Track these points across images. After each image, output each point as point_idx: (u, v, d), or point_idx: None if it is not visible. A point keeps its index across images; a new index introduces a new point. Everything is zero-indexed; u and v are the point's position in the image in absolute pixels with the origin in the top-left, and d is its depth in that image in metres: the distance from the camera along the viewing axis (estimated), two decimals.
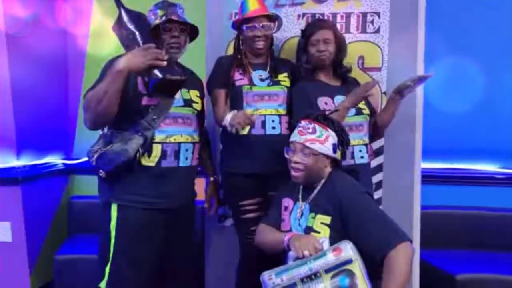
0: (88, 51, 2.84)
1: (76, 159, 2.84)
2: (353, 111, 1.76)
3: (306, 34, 1.79)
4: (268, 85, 1.78)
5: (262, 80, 1.78)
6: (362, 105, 1.79)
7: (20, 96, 2.37)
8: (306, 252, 1.33)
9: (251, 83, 1.76)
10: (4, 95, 2.31)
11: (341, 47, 1.80)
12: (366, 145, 1.79)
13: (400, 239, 1.31)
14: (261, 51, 1.78)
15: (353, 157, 1.74)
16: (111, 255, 1.53)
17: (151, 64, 1.40)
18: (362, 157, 1.76)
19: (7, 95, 2.31)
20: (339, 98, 1.77)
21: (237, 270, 1.87)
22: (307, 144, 1.44)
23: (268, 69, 1.81)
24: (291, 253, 1.38)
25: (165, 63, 1.42)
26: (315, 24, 1.81)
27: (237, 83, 1.76)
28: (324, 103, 1.76)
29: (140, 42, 1.46)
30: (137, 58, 1.40)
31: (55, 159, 2.74)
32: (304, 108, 1.72)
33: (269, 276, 1.35)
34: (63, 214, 2.72)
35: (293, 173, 1.46)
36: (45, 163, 2.64)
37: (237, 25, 1.81)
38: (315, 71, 1.82)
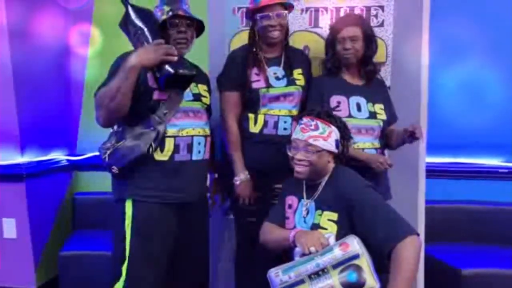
0: (90, 46, 2.81)
1: (80, 155, 2.82)
2: (366, 113, 1.71)
3: (333, 31, 1.73)
4: (285, 86, 1.74)
5: (277, 78, 1.74)
6: (379, 109, 1.74)
7: (23, 92, 2.35)
8: (312, 248, 1.30)
9: (268, 85, 1.71)
10: (7, 91, 2.29)
11: (370, 43, 1.72)
12: (376, 149, 1.72)
13: (407, 232, 1.29)
14: (275, 40, 1.72)
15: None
16: (127, 254, 1.50)
17: (163, 59, 1.41)
18: None
19: (10, 91, 2.29)
20: (354, 99, 1.72)
21: (235, 260, 1.86)
22: (310, 141, 1.42)
23: (282, 64, 1.76)
24: (297, 250, 1.36)
25: (176, 58, 1.42)
26: (342, 21, 1.75)
27: (254, 86, 1.71)
28: (336, 102, 1.70)
29: (149, 38, 1.46)
30: (149, 54, 1.40)
31: (59, 156, 2.72)
32: (315, 104, 1.69)
33: (276, 273, 1.33)
34: (68, 210, 2.70)
35: (297, 169, 1.44)
36: (49, 160, 2.62)
37: (250, 15, 1.75)
38: (341, 67, 1.76)
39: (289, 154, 1.46)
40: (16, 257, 2.36)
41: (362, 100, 1.72)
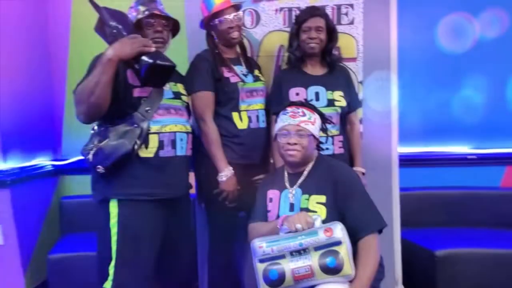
0: (70, 46, 2.79)
1: (65, 159, 2.80)
2: (325, 102, 1.78)
3: (299, 21, 1.80)
4: (254, 81, 1.83)
5: (245, 75, 1.81)
6: (338, 96, 1.81)
7: (3, 96, 2.31)
8: (298, 226, 1.34)
9: (242, 80, 1.78)
10: None
11: (332, 36, 1.81)
12: (333, 137, 1.78)
13: (379, 225, 1.40)
14: (236, 40, 1.79)
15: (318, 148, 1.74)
16: (114, 253, 1.50)
17: (140, 51, 1.42)
18: (327, 149, 1.75)
19: None
20: (313, 89, 1.80)
21: (210, 257, 1.85)
22: (302, 125, 1.47)
23: (243, 64, 1.84)
24: (284, 227, 1.39)
25: (153, 49, 1.44)
26: (308, 11, 1.81)
27: (232, 80, 1.76)
28: (295, 93, 1.79)
29: (125, 34, 1.46)
30: (126, 46, 1.41)
31: (44, 160, 2.70)
32: (276, 98, 1.80)
33: (259, 244, 1.37)
34: (55, 214, 2.69)
35: (290, 153, 1.46)
36: (34, 165, 2.59)
37: (206, 23, 1.79)
38: (303, 58, 1.83)
39: (280, 141, 1.49)
40: (4, 263, 2.33)
41: (321, 89, 1.80)
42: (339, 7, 1.99)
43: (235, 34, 1.76)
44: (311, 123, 1.48)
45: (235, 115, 1.77)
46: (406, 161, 2.34)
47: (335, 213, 1.41)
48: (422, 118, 2.64)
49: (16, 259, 2.35)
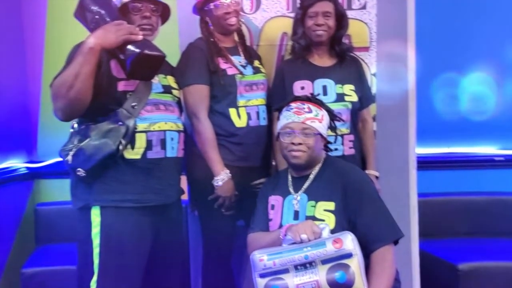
0: (47, 34, 2.79)
1: (41, 161, 2.80)
2: (333, 97, 1.78)
3: (304, 5, 1.79)
4: (254, 74, 1.83)
5: (243, 67, 1.82)
6: (348, 90, 1.81)
7: None
8: (303, 236, 1.34)
9: (240, 72, 1.78)
10: None
11: (341, 22, 1.81)
12: (343, 135, 1.78)
13: (395, 236, 1.40)
14: (233, 27, 1.79)
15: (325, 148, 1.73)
16: (96, 267, 1.49)
17: (126, 39, 1.41)
18: (336, 149, 1.74)
19: None
20: (320, 82, 1.80)
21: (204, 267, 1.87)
22: (308, 122, 1.47)
23: (241, 54, 1.85)
24: (287, 238, 1.39)
25: (141, 37, 1.43)
26: None
27: (229, 72, 1.77)
28: (300, 87, 1.79)
29: (108, 21, 1.45)
30: (110, 34, 1.40)
31: (17, 162, 2.70)
32: (278, 93, 1.80)
33: (260, 257, 1.36)
34: (30, 223, 2.69)
35: (295, 154, 1.46)
36: (5, 168, 2.59)
37: (199, 8, 1.80)
38: (309, 48, 1.83)
39: (283, 141, 1.49)
40: None
41: (329, 82, 1.80)
42: None
43: (232, 21, 1.76)
44: (318, 120, 1.48)
45: (232, 111, 1.77)
46: (425, 163, 2.35)
47: (345, 222, 1.41)
48: (442, 115, 2.64)
49: None
